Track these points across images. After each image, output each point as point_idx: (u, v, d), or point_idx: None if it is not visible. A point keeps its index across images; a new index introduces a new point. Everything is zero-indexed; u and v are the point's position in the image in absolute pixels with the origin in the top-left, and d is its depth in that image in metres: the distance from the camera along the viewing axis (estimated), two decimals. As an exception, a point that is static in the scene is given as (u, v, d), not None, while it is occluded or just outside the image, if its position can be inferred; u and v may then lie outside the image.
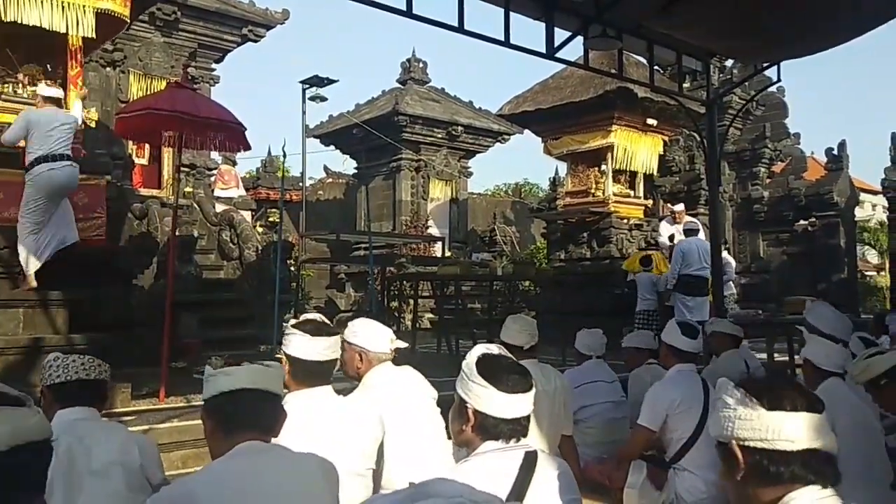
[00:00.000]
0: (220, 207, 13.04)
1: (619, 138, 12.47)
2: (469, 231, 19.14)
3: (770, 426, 1.36)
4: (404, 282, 11.92)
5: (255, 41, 13.33)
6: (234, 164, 15.82)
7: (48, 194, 5.90)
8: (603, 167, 12.72)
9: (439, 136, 17.43)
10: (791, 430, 1.35)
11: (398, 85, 18.43)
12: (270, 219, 17.31)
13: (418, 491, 0.85)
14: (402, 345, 3.00)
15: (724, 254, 9.68)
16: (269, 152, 21.30)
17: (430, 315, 13.32)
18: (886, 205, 16.61)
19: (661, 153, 13.53)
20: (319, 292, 16.80)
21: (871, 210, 36.97)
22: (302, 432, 1.97)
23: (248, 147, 6.62)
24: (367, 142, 17.22)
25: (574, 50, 19.71)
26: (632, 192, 13.17)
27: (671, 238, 10.40)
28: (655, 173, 13.62)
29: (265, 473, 1.69)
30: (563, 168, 14.25)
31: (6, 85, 7.19)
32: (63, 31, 6.74)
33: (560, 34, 6.36)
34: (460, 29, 5.65)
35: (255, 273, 11.26)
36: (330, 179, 23.69)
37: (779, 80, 7.38)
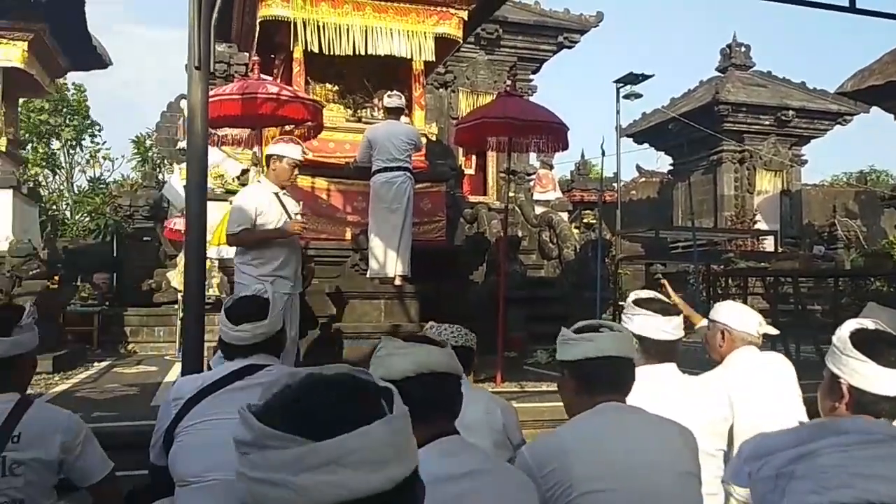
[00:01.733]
0: (539, 210, 13.64)
1: None
2: (804, 226, 17.31)
3: None
4: (730, 280, 11.22)
5: (570, 47, 13.71)
6: (550, 167, 16.42)
7: (380, 201, 6.66)
8: (983, 142, 10.57)
9: (766, 123, 16.10)
10: None
11: (717, 73, 17.45)
12: (585, 220, 17.57)
13: (828, 427, 0.83)
14: (773, 331, 2.87)
15: None
16: (583, 155, 21.63)
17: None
18: None
19: None
20: (636, 293, 16.59)
21: None
22: (645, 405, 2.00)
23: (566, 147, 6.86)
24: (683, 136, 16.58)
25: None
26: None
27: None
28: None
29: (628, 430, 1.77)
30: (925, 147, 12.17)
31: (365, 109, 8.42)
32: (408, 57, 7.70)
33: (923, -12, 5.49)
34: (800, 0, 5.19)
35: (574, 271, 11.55)
36: (643, 179, 23.26)
37: None
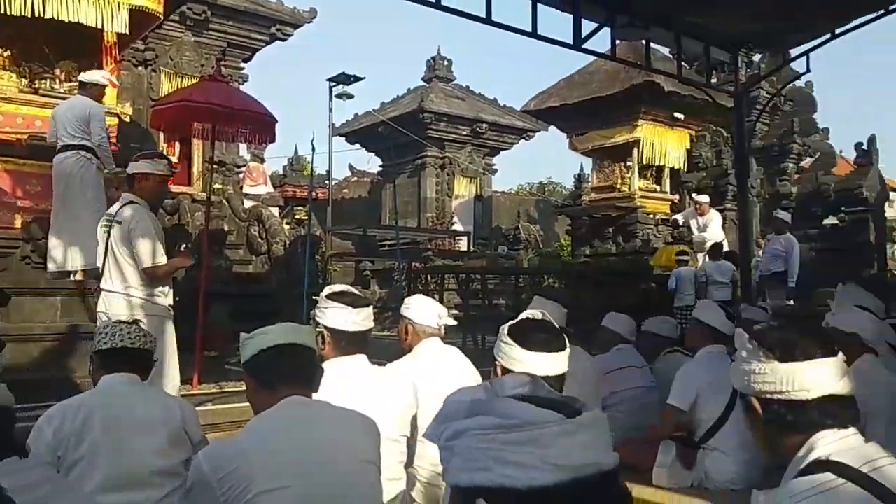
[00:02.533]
0: (248, 204, 13.21)
1: (645, 133, 12.45)
2: (493, 228, 19.18)
3: (785, 378, 1.40)
4: (429, 277, 12.00)
5: (284, 40, 13.47)
6: (262, 161, 16.02)
7: (56, 184, 6.01)
8: (629, 162, 12.70)
9: (464, 133, 17.52)
10: (805, 380, 1.39)
11: (423, 83, 18.54)
12: (297, 216, 17.48)
13: (480, 406, 0.86)
14: (452, 322, 3.11)
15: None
16: (296, 151, 21.56)
17: (455, 311, 13.37)
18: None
19: (688, 148, 13.46)
20: (345, 289, 16.92)
21: (903, 209, 36.28)
22: (336, 398, 2.04)
23: (273, 139, 6.73)
24: (392, 139, 17.35)
25: (601, 43, 19.71)
26: (658, 187, 13.13)
27: (676, 223, 10.52)
28: (683, 168, 13.55)
29: (309, 425, 1.76)
30: (588, 164, 14.25)
31: (44, 80, 7.39)
32: (98, 26, 6.91)
33: (587, 26, 6.38)
34: (488, 20, 5.69)
35: (283, 268, 11.39)
36: (355, 178, 23.87)
37: (808, 70, 7.32)
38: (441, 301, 11.87)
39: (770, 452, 1.48)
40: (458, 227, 16.88)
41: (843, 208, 14.29)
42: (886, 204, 15.92)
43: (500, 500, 0.80)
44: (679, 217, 11.60)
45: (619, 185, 12.87)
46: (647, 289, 11.33)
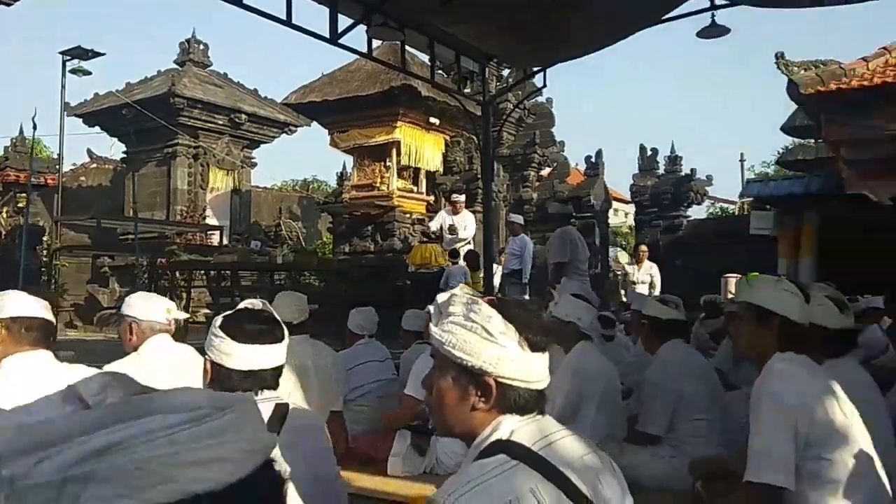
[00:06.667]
0: (-46, 187, 11.35)
1: (403, 135, 12.79)
2: (252, 224, 18.50)
3: (528, 369, 1.39)
4: (177, 273, 11.22)
5: (9, 5, 11.75)
6: (-27, 139, 13.84)
7: None
8: (388, 162, 12.97)
9: (221, 122, 16.66)
10: (537, 370, 1.41)
11: (175, 66, 17.32)
12: (20, 204, 15.37)
13: (146, 406, 0.66)
14: (182, 315, 2.88)
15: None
16: (21, 130, 18.89)
17: (206, 310, 12.64)
18: (635, 210, 18.80)
19: (444, 152, 14.09)
20: (79, 287, 15.23)
21: (624, 217, 41.65)
22: (16, 398, 1.78)
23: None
24: (138, 124, 15.93)
25: (359, 41, 19.82)
26: (415, 188, 13.57)
27: (443, 229, 11.02)
28: (439, 171, 14.15)
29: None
30: (350, 162, 14.31)
31: None
32: None
33: (344, 21, 6.36)
34: (238, 2, 5.44)
35: (-4, 261, 9.95)
36: (94, 164, 21.61)
37: (544, 86, 8.05)
38: (189, 299, 11.19)
39: (466, 429, 1.48)
40: (212, 220, 15.98)
41: (574, 214, 15.91)
42: (610, 212, 18.07)
43: None
44: (433, 224, 12.06)
45: (378, 185, 13.09)
46: (403, 285, 11.67)
